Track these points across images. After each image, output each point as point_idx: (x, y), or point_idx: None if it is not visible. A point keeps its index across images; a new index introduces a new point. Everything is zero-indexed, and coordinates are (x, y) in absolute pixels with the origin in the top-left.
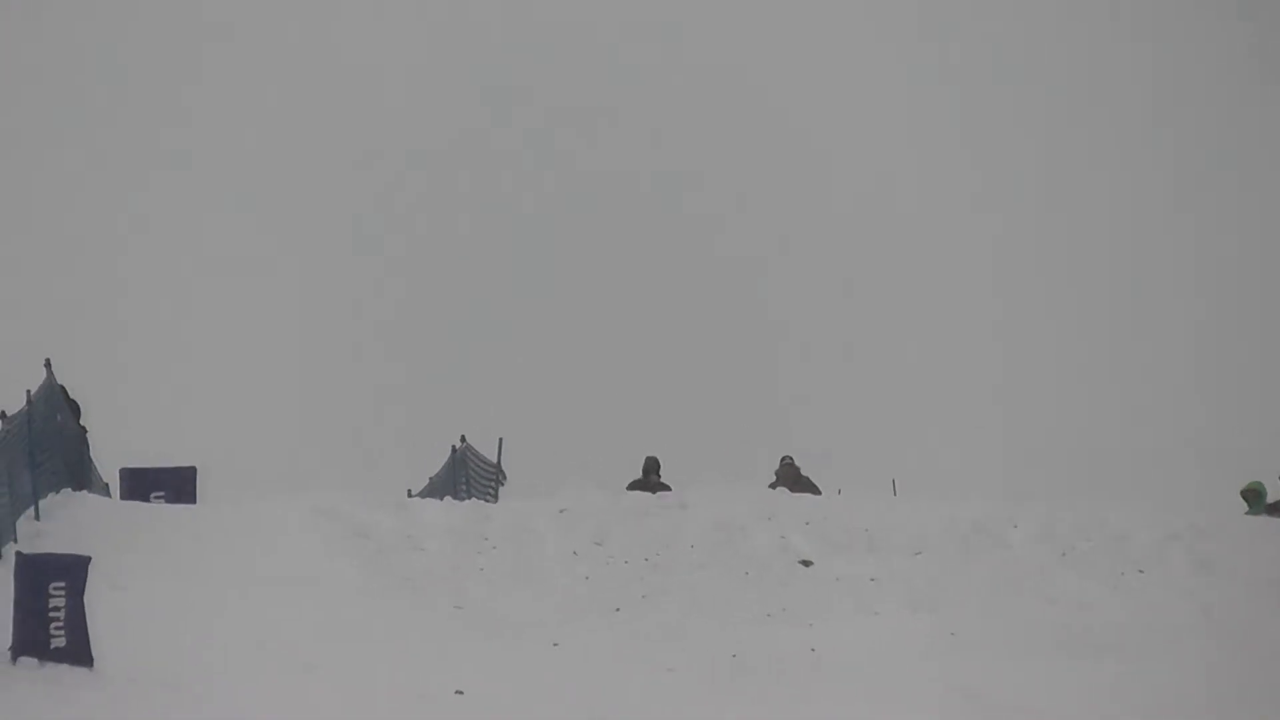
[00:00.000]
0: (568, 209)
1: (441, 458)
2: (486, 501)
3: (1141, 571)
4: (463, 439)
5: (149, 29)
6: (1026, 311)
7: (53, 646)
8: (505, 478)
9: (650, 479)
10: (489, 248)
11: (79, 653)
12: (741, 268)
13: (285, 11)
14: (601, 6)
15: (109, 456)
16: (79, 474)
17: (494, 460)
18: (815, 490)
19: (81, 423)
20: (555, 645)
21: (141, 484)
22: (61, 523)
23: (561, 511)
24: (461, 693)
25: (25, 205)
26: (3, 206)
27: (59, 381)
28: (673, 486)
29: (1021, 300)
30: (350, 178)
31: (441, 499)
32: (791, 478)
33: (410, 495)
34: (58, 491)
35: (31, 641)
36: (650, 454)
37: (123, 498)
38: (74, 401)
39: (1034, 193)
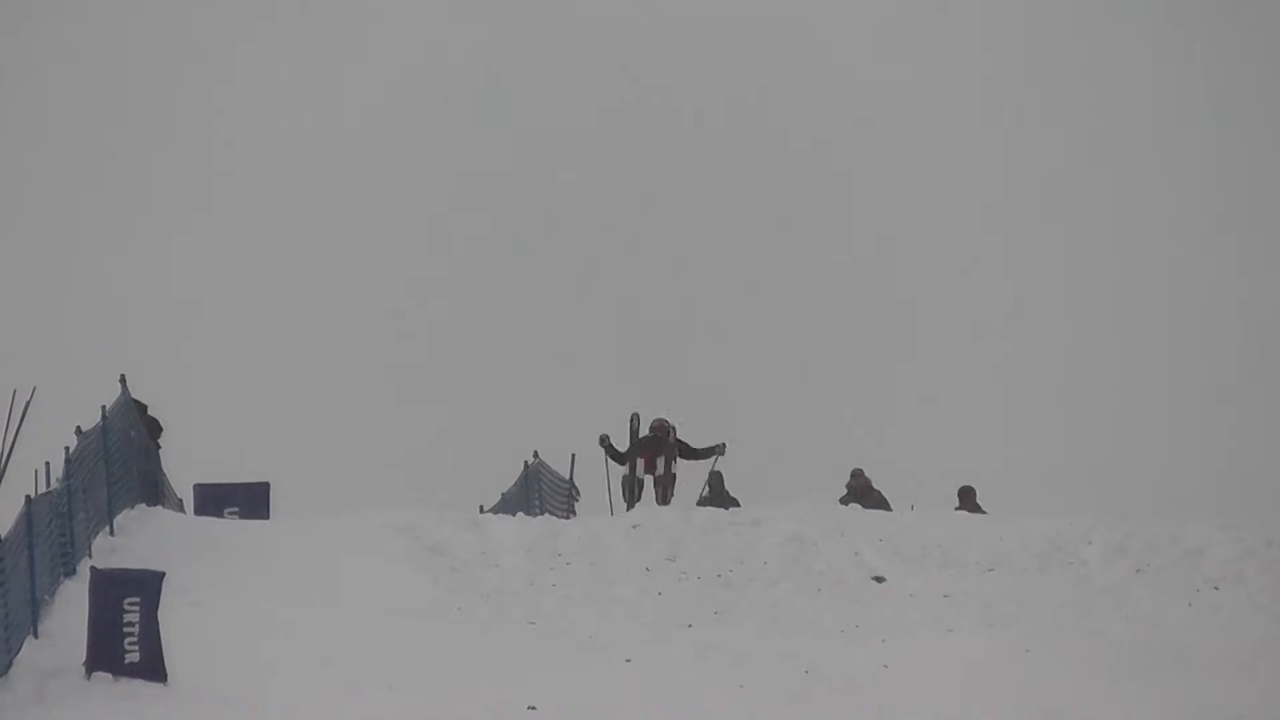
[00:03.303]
0: (637, 222)
1: (514, 473)
2: (559, 517)
3: (1217, 588)
4: (535, 455)
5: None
6: (1100, 324)
7: (127, 662)
8: (579, 493)
9: (719, 494)
10: (562, 263)
11: (153, 668)
12: (805, 281)
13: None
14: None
15: (182, 472)
16: (153, 489)
17: (566, 476)
18: (886, 504)
19: (158, 440)
20: (628, 661)
21: (215, 499)
22: (136, 538)
23: (634, 527)
24: (534, 708)
25: (100, 223)
26: (78, 225)
27: (137, 399)
28: (741, 501)
29: (1094, 313)
30: (419, 194)
31: (514, 515)
32: (863, 490)
33: (482, 511)
34: (132, 507)
35: (106, 656)
36: (715, 470)
37: (196, 513)
38: (154, 419)
39: (1112, 201)
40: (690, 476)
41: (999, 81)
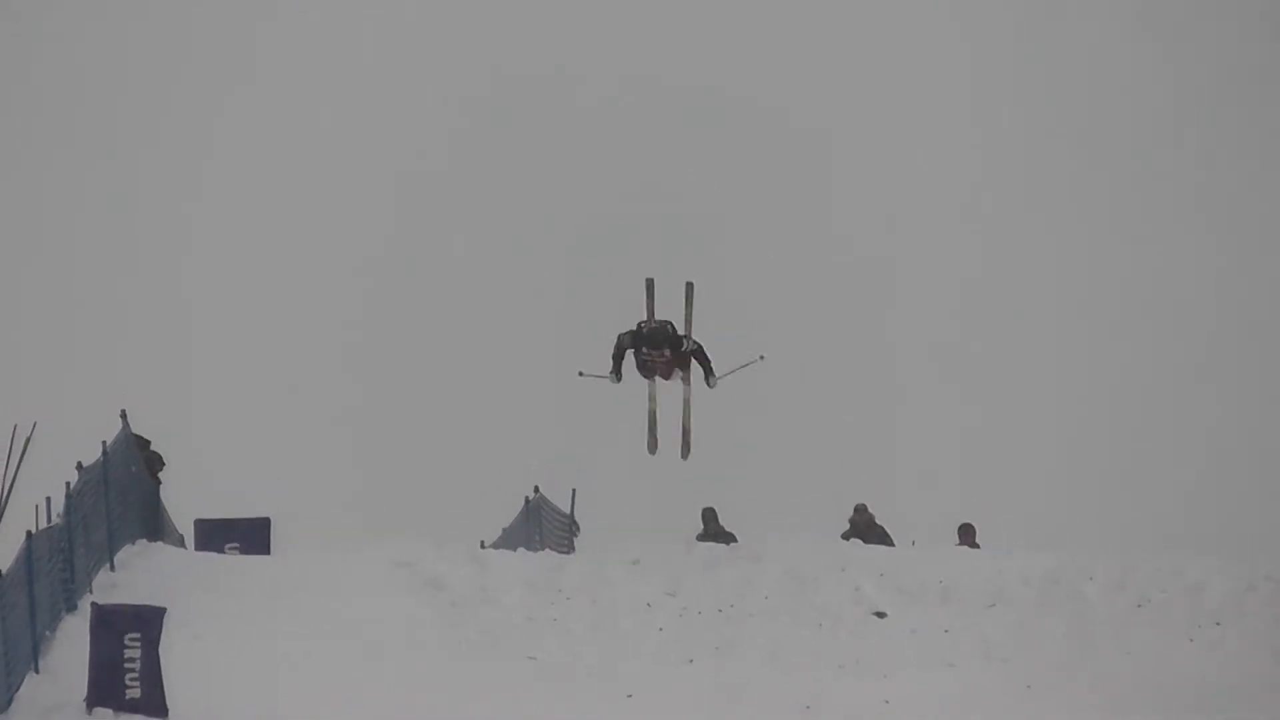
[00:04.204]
0: (636, 256)
1: (514, 508)
2: (560, 552)
3: (1219, 624)
4: (536, 490)
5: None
6: (1099, 358)
7: (128, 697)
8: (579, 529)
9: (714, 529)
10: (569, 297)
11: (154, 704)
12: (798, 314)
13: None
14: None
15: (183, 507)
16: (153, 525)
17: (567, 511)
18: (888, 539)
19: (160, 475)
20: (629, 697)
21: (215, 535)
22: (136, 573)
23: (635, 563)
24: None
25: (101, 257)
26: (79, 260)
27: (139, 434)
28: (739, 535)
29: (1093, 348)
30: (418, 222)
31: (514, 549)
32: (866, 525)
33: (483, 546)
34: (133, 542)
35: (107, 692)
36: (707, 505)
37: (197, 549)
38: (155, 454)
39: (1110, 226)
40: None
41: (990, 82)
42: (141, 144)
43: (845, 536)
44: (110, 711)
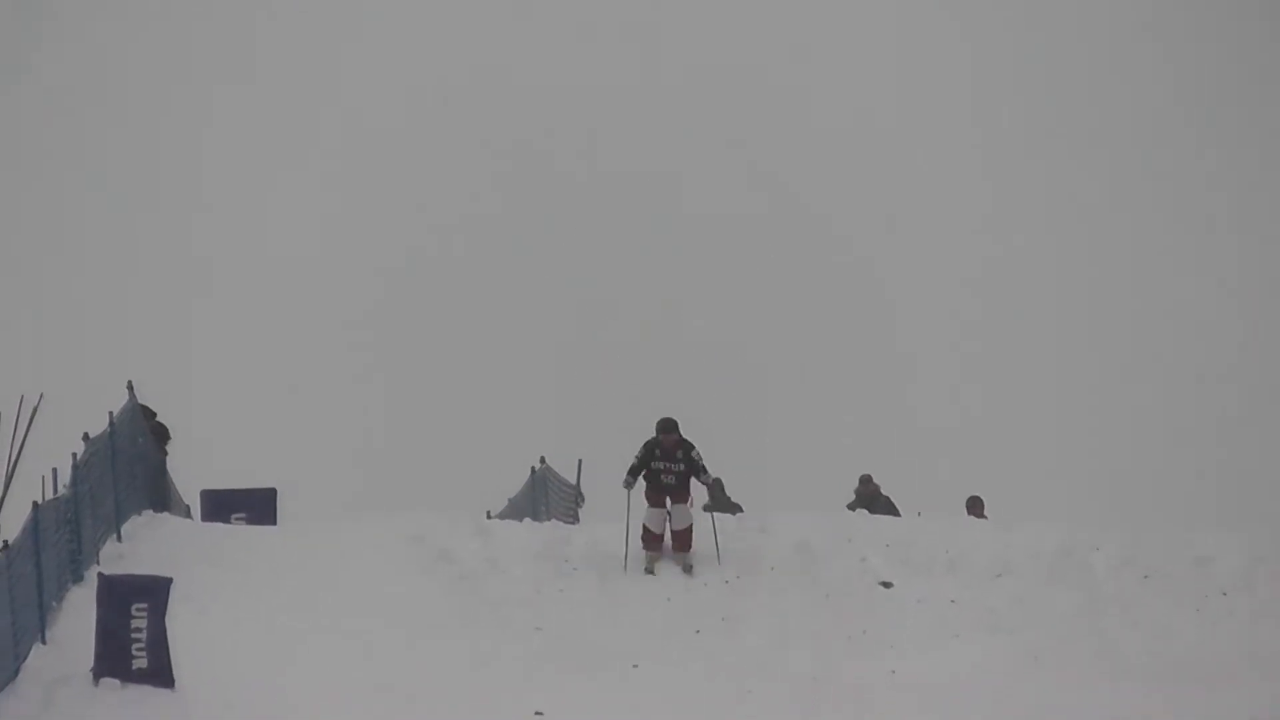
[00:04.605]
0: (648, 236)
1: (521, 479)
2: (566, 523)
3: (1225, 595)
4: (542, 460)
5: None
6: (1107, 333)
7: (134, 668)
8: (584, 499)
9: (721, 500)
10: (572, 270)
11: (160, 674)
12: (809, 287)
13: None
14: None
15: (189, 478)
16: (160, 496)
17: (573, 482)
18: (895, 510)
19: (166, 447)
20: (635, 668)
21: (222, 506)
22: (143, 544)
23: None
24: (541, 714)
25: (106, 232)
26: (84, 233)
27: (145, 405)
28: (745, 507)
29: (1102, 322)
30: (428, 197)
31: (520, 520)
32: (870, 496)
33: (489, 516)
34: (139, 513)
35: (113, 663)
36: (715, 476)
37: (203, 519)
38: (161, 425)
39: (1124, 211)
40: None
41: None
42: (151, 124)
43: (851, 507)
44: (117, 682)
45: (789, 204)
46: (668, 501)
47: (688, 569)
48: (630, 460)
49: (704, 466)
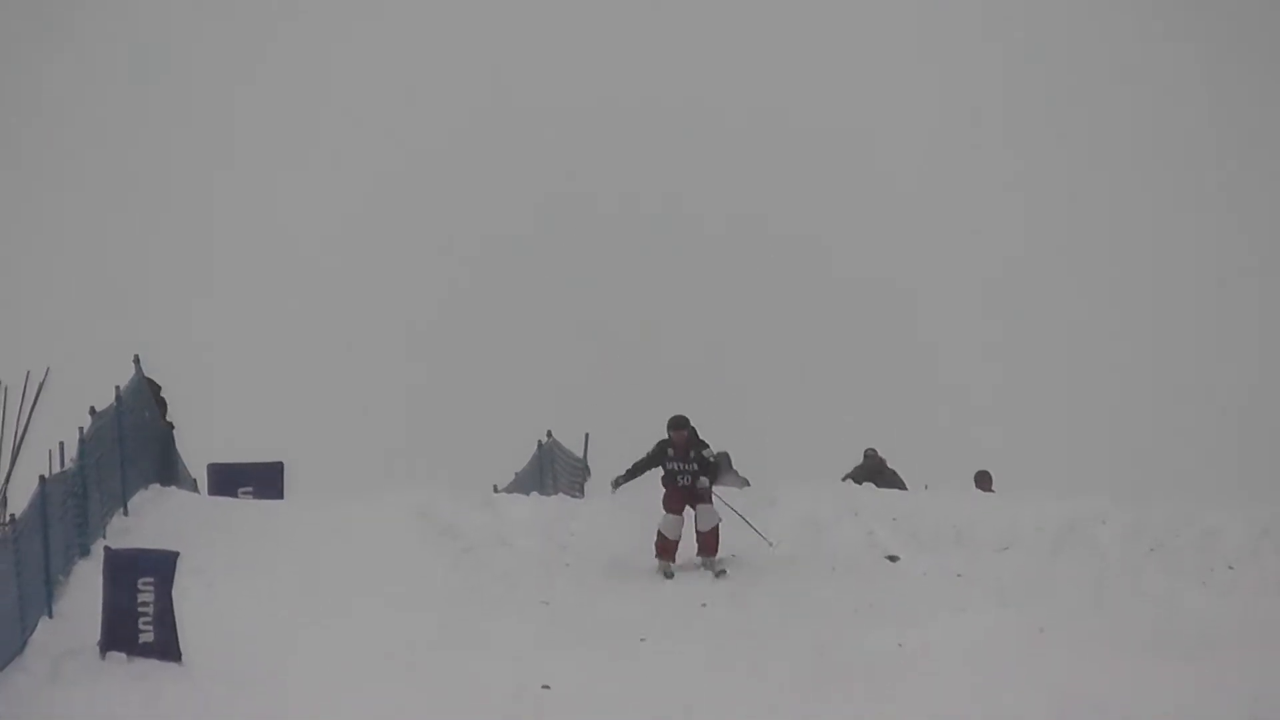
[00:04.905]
0: (646, 207)
1: (527, 453)
2: (572, 496)
3: (1232, 568)
4: (549, 434)
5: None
6: (1113, 303)
7: (141, 641)
8: (590, 473)
9: (727, 474)
10: (573, 245)
11: (167, 648)
12: (810, 260)
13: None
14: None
15: (195, 452)
16: (167, 470)
17: (580, 455)
18: (900, 483)
19: (168, 418)
20: (642, 641)
21: (229, 479)
22: (150, 518)
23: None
24: (548, 688)
25: (110, 203)
26: (90, 205)
27: (151, 378)
28: (752, 481)
29: (1107, 292)
30: (435, 175)
31: (527, 494)
32: (875, 470)
33: (496, 490)
34: (146, 487)
35: (120, 636)
36: (721, 450)
37: (210, 493)
38: (164, 400)
39: (1126, 179)
40: None
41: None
42: (160, 105)
43: (857, 480)
44: (124, 655)
45: (792, 205)
46: (686, 507)
47: (720, 574)
48: (634, 458)
49: (713, 463)
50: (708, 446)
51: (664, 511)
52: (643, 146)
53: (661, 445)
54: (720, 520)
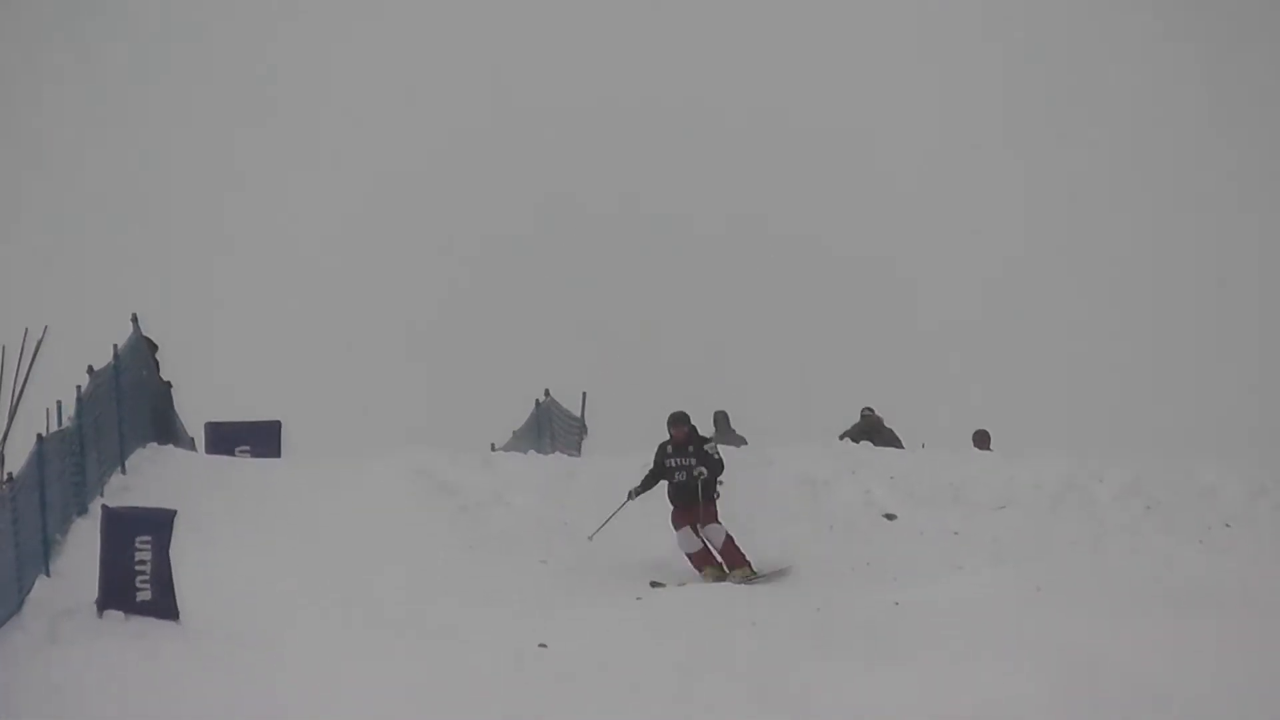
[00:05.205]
0: (646, 207)
1: (525, 411)
2: (569, 455)
3: (1229, 526)
4: (546, 393)
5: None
6: (1108, 260)
7: (138, 600)
8: (587, 431)
9: (726, 432)
10: (572, 244)
11: (165, 607)
12: (810, 259)
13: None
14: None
15: (193, 411)
16: (164, 428)
17: (577, 414)
18: (898, 441)
19: (164, 376)
20: (639, 599)
21: (226, 438)
22: (147, 477)
23: (645, 466)
24: (545, 646)
25: (110, 162)
26: (89, 164)
27: (148, 337)
28: (749, 440)
29: (1102, 248)
30: (435, 175)
31: (525, 452)
32: (873, 428)
33: (494, 449)
34: (144, 446)
35: (117, 595)
36: (719, 409)
37: (207, 452)
38: (156, 358)
39: (1126, 179)
40: None
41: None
42: (161, 64)
43: (854, 439)
44: (121, 614)
45: (792, 205)
46: (696, 515)
47: (758, 574)
48: (639, 464)
49: (716, 460)
50: (710, 441)
51: (674, 530)
52: (643, 147)
53: (661, 447)
54: (728, 535)
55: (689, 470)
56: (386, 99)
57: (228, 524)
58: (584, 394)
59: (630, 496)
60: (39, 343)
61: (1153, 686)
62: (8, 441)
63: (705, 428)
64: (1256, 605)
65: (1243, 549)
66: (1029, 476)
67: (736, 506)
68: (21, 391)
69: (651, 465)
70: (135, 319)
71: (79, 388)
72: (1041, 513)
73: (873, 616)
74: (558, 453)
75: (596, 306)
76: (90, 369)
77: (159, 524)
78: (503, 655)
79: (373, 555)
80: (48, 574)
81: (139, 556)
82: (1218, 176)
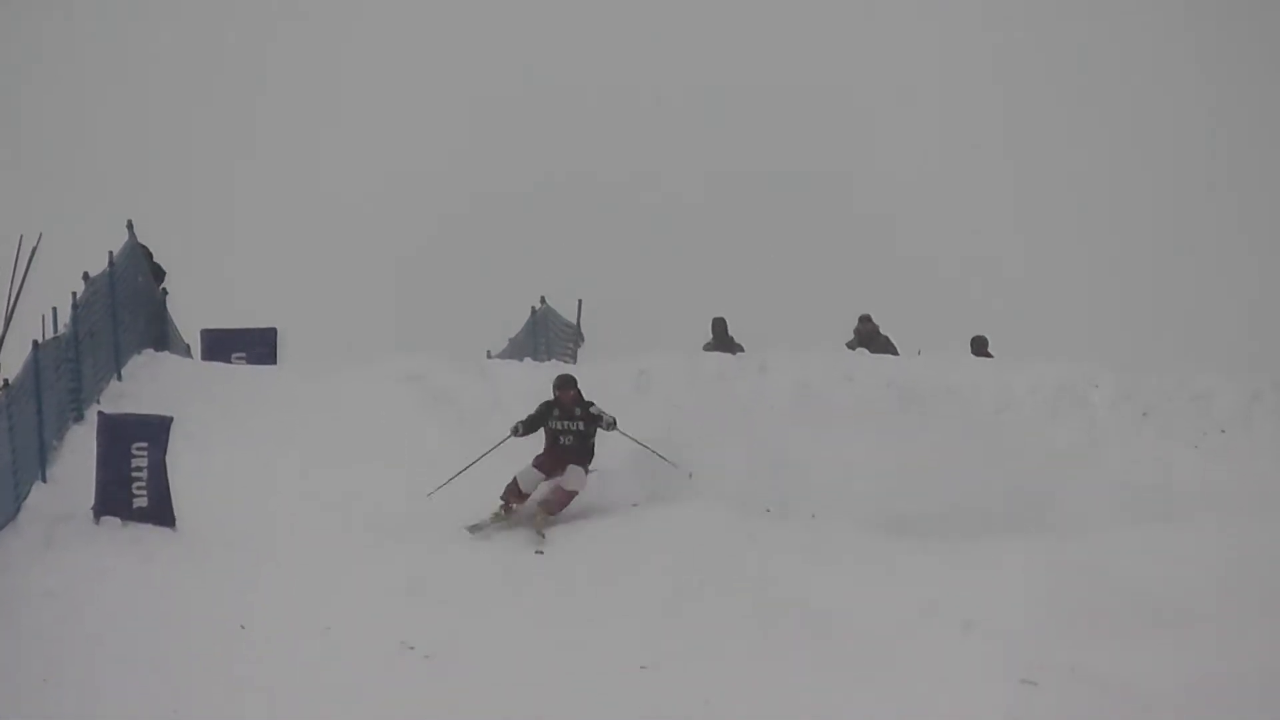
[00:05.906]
0: (645, 81)
1: (521, 318)
2: (565, 362)
3: (1224, 431)
4: (542, 300)
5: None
6: (1108, 172)
7: (135, 506)
8: (583, 339)
9: (724, 340)
10: (565, 113)
11: (161, 513)
12: (811, 258)
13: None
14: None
15: (189, 317)
16: (160, 335)
17: (573, 322)
18: (894, 349)
19: (163, 286)
20: (635, 506)
21: (222, 345)
22: (144, 384)
23: (641, 373)
24: (541, 553)
25: (108, 70)
26: (86, 71)
27: (143, 244)
28: (746, 347)
29: (1103, 162)
30: (435, 173)
31: (521, 360)
32: (869, 335)
33: (489, 356)
34: (139, 352)
35: (114, 501)
36: (717, 315)
37: (203, 358)
38: (158, 265)
39: (1126, 179)
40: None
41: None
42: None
43: (850, 346)
44: (117, 520)
45: (792, 205)
46: (563, 468)
47: (541, 535)
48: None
49: (603, 415)
50: (594, 405)
51: (530, 464)
52: (645, 141)
53: (546, 405)
54: (581, 490)
55: (576, 434)
56: (386, 100)
57: (223, 430)
58: (580, 301)
59: (514, 433)
60: (34, 250)
61: (1151, 595)
62: (4, 349)
63: (704, 335)
64: (1250, 511)
65: (1238, 454)
66: (1026, 382)
67: (732, 413)
68: (18, 298)
69: (532, 414)
70: (130, 225)
71: (75, 295)
72: (1039, 418)
73: (868, 519)
74: (553, 360)
75: (594, 224)
76: (86, 276)
77: (156, 430)
78: (495, 565)
79: (368, 461)
80: (44, 480)
81: (135, 463)
82: (1217, 177)
